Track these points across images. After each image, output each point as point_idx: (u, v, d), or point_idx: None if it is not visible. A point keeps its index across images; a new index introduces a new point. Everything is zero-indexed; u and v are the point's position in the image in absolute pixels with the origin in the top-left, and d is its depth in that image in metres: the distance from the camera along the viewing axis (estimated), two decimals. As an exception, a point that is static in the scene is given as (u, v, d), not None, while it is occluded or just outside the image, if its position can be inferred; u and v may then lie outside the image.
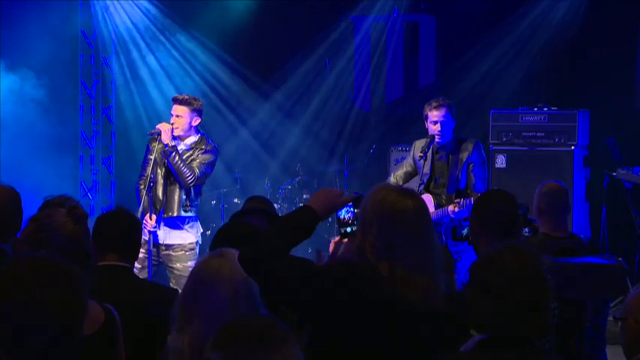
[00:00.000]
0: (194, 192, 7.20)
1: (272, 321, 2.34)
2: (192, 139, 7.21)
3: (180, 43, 11.07)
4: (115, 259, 3.82)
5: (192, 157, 7.15)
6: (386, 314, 3.06)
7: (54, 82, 10.61)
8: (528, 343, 2.73)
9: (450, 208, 6.83)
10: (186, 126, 7.21)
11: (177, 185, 7.16)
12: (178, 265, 7.01)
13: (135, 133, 11.01)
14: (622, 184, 8.38)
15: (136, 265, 6.10)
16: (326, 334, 3.12)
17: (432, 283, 3.06)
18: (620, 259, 4.57)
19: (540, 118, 8.92)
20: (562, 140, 8.79)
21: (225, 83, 11.15)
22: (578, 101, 9.23)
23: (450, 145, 7.07)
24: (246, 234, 3.77)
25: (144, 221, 6.94)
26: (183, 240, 7.13)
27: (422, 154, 7.19)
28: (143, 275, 6.76)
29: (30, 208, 6.98)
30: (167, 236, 7.13)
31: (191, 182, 7.08)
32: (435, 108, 7.04)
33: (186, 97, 7.30)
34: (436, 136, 7.04)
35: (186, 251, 7.07)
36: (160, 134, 7.13)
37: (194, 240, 7.18)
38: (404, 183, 7.28)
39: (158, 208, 7.11)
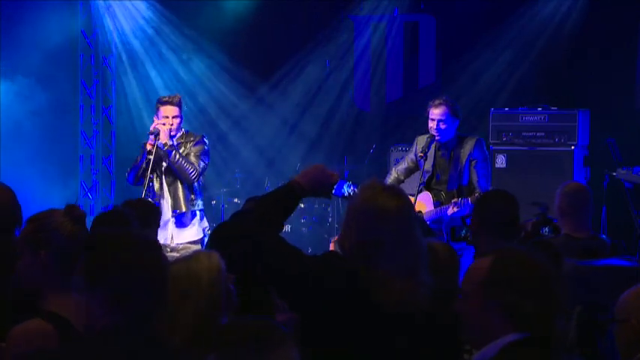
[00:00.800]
0: (197, 185, 7.27)
1: (269, 322, 2.34)
2: (179, 134, 7.30)
3: (180, 42, 11.07)
4: None
5: (185, 152, 7.20)
6: (356, 313, 3.04)
7: (54, 82, 10.61)
8: (554, 344, 2.67)
9: (451, 209, 6.84)
10: (179, 125, 7.29)
11: (179, 182, 7.20)
12: None
13: (135, 133, 11.00)
14: (622, 184, 8.37)
15: None
16: (304, 320, 3.13)
17: (411, 285, 3.03)
18: None
19: (540, 118, 8.91)
20: (562, 140, 8.79)
21: (224, 83, 11.15)
22: (578, 101, 9.22)
23: (452, 142, 7.10)
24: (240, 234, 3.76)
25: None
26: (191, 237, 7.18)
27: (422, 154, 7.20)
28: None
29: (30, 207, 6.99)
30: (177, 236, 7.16)
31: (194, 177, 7.15)
32: (435, 107, 7.07)
33: (177, 97, 7.34)
34: (435, 134, 7.07)
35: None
36: (158, 134, 7.14)
37: (201, 236, 7.23)
38: (405, 178, 7.35)
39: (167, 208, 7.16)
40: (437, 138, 7.07)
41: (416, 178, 7.22)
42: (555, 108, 8.96)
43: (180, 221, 7.19)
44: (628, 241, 8.55)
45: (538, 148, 8.83)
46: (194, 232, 7.24)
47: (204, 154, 7.26)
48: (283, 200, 3.31)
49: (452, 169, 7.05)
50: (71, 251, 3.07)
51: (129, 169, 7.36)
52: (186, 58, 11.09)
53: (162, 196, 7.26)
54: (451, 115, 7.07)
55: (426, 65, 10.78)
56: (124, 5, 11.00)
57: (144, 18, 11.04)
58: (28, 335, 2.92)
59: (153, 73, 11.10)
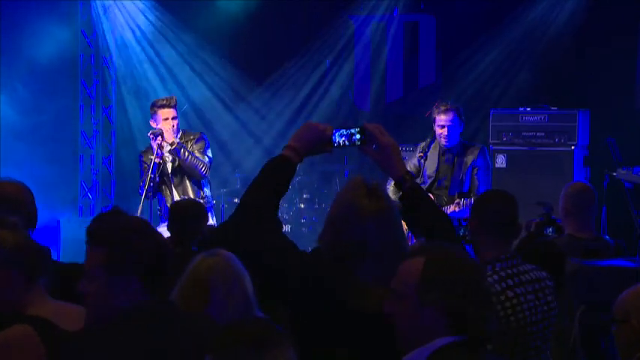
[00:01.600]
0: (205, 181, 7.35)
1: (266, 323, 2.35)
2: (177, 136, 7.40)
3: (180, 43, 11.07)
4: None
5: (190, 150, 7.26)
6: (338, 313, 3.03)
7: (54, 82, 10.61)
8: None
9: (452, 207, 6.84)
10: (178, 126, 7.42)
11: (186, 180, 7.27)
12: None
13: (135, 133, 11.01)
14: (622, 184, 8.37)
15: None
16: (294, 319, 3.14)
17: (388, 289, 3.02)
18: None
19: (540, 118, 8.92)
20: (562, 140, 8.79)
21: (224, 83, 11.15)
22: (578, 101, 9.22)
23: (456, 148, 7.11)
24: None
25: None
26: None
27: (422, 154, 7.21)
28: None
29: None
30: None
31: (205, 171, 7.29)
32: (443, 112, 7.05)
33: (173, 99, 7.49)
34: (442, 140, 7.06)
35: None
36: (162, 134, 7.16)
37: None
38: None
39: None
40: (444, 143, 7.07)
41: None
42: (555, 108, 8.96)
43: None
44: (628, 241, 8.54)
45: (538, 148, 8.83)
46: None
47: (207, 149, 7.36)
48: (274, 177, 3.26)
49: (454, 175, 7.06)
50: (24, 259, 3.07)
51: (140, 183, 7.39)
52: (186, 58, 11.09)
53: (172, 198, 7.33)
54: (459, 120, 7.08)
55: (426, 65, 10.78)
56: (123, 5, 11.00)
57: (144, 18, 11.04)
58: (8, 341, 2.94)
59: (153, 73, 11.10)
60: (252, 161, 10.92)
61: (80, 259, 2.72)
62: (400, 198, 3.34)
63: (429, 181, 7.16)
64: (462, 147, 7.14)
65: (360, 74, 11.04)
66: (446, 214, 3.47)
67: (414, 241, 6.20)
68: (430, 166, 7.17)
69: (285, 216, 9.97)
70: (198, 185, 7.34)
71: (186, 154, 7.23)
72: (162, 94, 11.06)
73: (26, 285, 3.10)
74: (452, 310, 2.50)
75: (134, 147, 10.94)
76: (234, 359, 2.25)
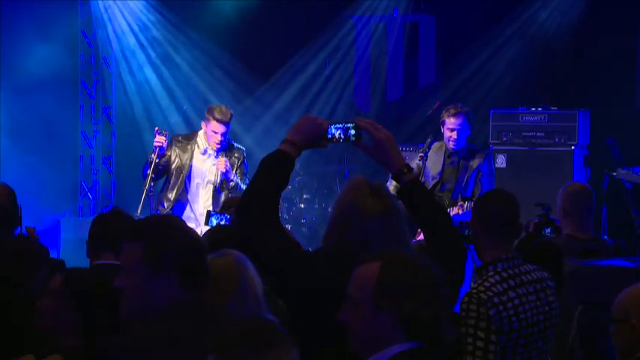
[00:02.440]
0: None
1: (269, 324, 2.34)
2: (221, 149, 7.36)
3: (180, 42, 11.07)
4: (111, 258, 3.86)
5: (232, 165, 7.29)
6: (333, 316, 3.03)
7: (54, 82, 10.61)
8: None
9: (454, 210, 6.84)
10: (225, 139, 7.40)
11: (212, 187, 7.31)
12: None
13: (135, 133, 11.01)
14: (622, 184, 8.37)
15: None
16: (297, 318, 3.14)
17: None
18: None
19: (540, 118, 8.92)
20: (562, 140, 8.79)
21: (224, 83, 11.14)
22: (578, 101, 9.22)
23: (462, 151, 7.12)
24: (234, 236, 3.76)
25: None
26: None
27: (422, 154, 7.21)
28: None
29: (31, 207, 7.01)
30: None
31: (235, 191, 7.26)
32: (454, 115, 7.04)
33: (230, 114, 7.41)
34: (451, 143, 7.06)
35: None
36: (164, 136, 7.25)
37: None
38: None
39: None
40: (452, 146, 7.07)
41: None
42: (555, 108, 8.96)
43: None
44: (628, 241, 8.55)
45: (538, 148, 8.83)
46: None
47: (247, 172, 7.37)
48: (274, 173, 3.26)
49: (458, 179, 7.06)
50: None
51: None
52: (186, 58, 11.08)
53: (193, 200, 7.33)
54: (468, 123, 7.08)
55: (426, 65, 10.78)
56: (123, 5, 10.99)
57: (144, 18, 11.03)
58: None
59: (153, 73, 11.09)
60: (251, 161, 10.91)
61: (80, 259, 2.71)
62: (399, 192, 3.32)
63: (432, 182, 7.16)
64: (468, 151, 7.15)
65: (360, 74, 11.03)
66: (445, 209, 3.44)
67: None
68: (434, 168, 7.16)
69: (285, 216, 9.96)
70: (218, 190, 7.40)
71: (231, 185, 7.23)
72: (162, 94, 11.09)
73: None
74: (407, 316, 2.45)
75: (134, 147, 10.94)
76: (237, 358, 2.25)
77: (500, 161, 8.90)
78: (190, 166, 7.37)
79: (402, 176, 3.28)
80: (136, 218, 7.44)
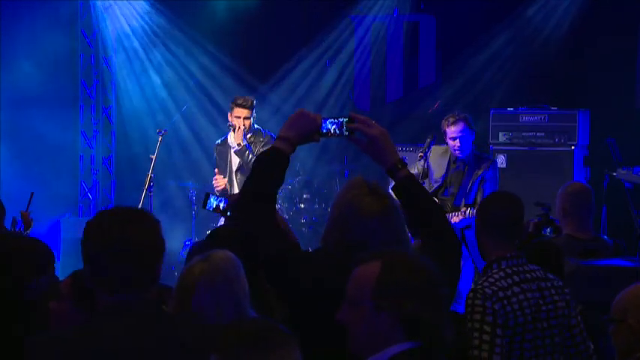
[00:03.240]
0: None
1: (271, 324, 2.34)
2: (249, 134, 7.82)
3: (179, 42, 11.07)
4: None
5: (256, 151, 7.63)
6: (333, 316, 3.03)
7: (54, 82, 10.61)
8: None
9: (454, 219, 6.84)
10: (251, 126, 7.87)
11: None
12: None
13: (135, 132, 11.01)
14: (622, 184, 8.37)
15: None
16: (298, 318, 3.14)
17: None
18: None
19: (540, 118, 8.92)
20: (562, 140, 8.80)
21: (224, 83, 11.14)
22: (578, 101, 9.23)
23: (468, 158, 7.11)
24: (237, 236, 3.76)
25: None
26: None
27: (422, 155, 7.21)
28: None
29: (31, 207, 7.00)
30: None
31: None
32: (453, 124, 7.05)
33: (250, 100, 7.94)
34: (457, 152, 7.06)
35: None
36: (234, 129, 7.69)
37: None
38: None
39: None
40: (457, 154, 7.07)
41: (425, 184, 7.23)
42: (555, 108, 8.96)
43: None
44: (628, 241, 8.55)
45: (538, 148, 8.83)
46: None
47: None
48: (269, 171, 3.25)
49: (462, 185, 7.06)
50: None
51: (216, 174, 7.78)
52: (186, 58, 11.08)
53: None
54: (469, 129, 7.08)
55: (426, 65, 10.78)
56: (123, 5, 10.99)
57: (144, 18, 11.03)
58: None
59: (152, 73, 11.09)
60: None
61: (80, 259, 2.69)
62: (393, 188, 3.31)
63: (436, 185, 7.16)
64: (474, 157, 7.15)
65: (360, 74, 11.03)
66: (439, 205, 3.45)
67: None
68: (438, 171, 7.16)
69: (286, 216, 9.96)
70: None
71: (250, 157, 7.57)
72: (162, 94, 11.09)
73: None
74: (407, 316, 2.44)
75: (134, 147, 10.94)
76: (239, 359, 2.25)
77: (500, 161, 8.90)
78: (230, 165, 7.90)
79: (397, 172, 3.26)
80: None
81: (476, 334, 3.67)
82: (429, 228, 3.26)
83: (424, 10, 10.67)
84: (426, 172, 7.30)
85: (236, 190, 7.69)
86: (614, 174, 8.34)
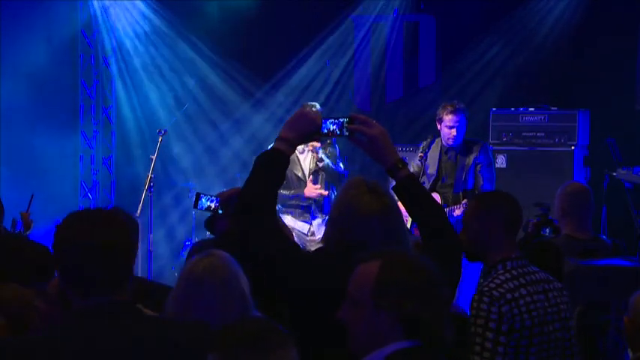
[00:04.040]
0: None
1: (270, 324, 2.34)
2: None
3: (180, 43, 11.07)
4: None
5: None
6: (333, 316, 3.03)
7: (54, 82, 10.61)
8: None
9: (456, 212, 6.86)
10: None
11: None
12: None
13: (135, 133, 11.01)
14: (622, 184, 8.37)
15: None
16: (298, 318, 3.13)
17: None
18: None
19: (540, 118, 8.92)
20: (562, 140, 8.79)
21: (224, 83, 11.14)
22: (578, 101, 9.22)
23: (459, 146, 7.11)
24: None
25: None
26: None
27: (422, 154, 7.22)
28: None
29: (31, 208, 7.00)
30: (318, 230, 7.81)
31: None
32: (452, 112, 7.07)
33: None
34: (450, 140, 7.07)
35: None
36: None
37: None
38: None
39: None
40: (450, 143, 7.08)
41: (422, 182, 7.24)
42: (555, 108, 8.96)
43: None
44: (628, 241, 8.55)
45: (538, 148, 8.83)
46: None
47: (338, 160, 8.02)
48: (269, 171, 3.26)
49: (458, 173, 7.08)
50: None
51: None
52: (186, 58, 11.09)
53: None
54: (466, 120, 7.10)
55: (426, 65, 10.78)
56: (124, 5, 11.00)
57: (144, 18, 11.03)
58: None
59: (153, 73, 11.10)
60: (252, 161, 10.91)
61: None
62: (394, 188, 3.31)
63: (432, 179, 7.17)
64: (464, 144, 7.15)
65: (360, 74, 11.03)
66: (439, 204, 3.43)
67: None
68: (431, 165, 7.17)
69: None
70: None
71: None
72: (162, 94, 11.09)
73: None
74: (407, 316, 2.45)
75: (134, 147, 10.94)
76: (237, 357, 2.25)
77: (500, 161, 8.90)
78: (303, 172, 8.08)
79: (397, 171, 3.27)
80: (136, 218, 7.44)
81: (478, 340, 3.63)
82: (430, 227, 3.26)
83: (424, 10, 10.67)
84: (419, 173, 7.31)
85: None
86: (614, 174, 8.33)
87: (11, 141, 10.41)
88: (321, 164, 7.87)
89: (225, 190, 4.83)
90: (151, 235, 8.27)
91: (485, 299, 3.65)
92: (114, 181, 11.16)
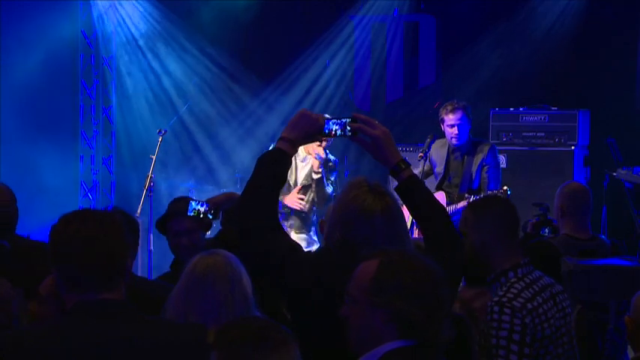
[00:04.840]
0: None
1: (271, 322, 2.35)
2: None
3: (180, 42, 11.07)
4: None
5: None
6: (335, 316, 3.02)
7: (54, 82, 10.61)
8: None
9: (461, 203, 6.88)
10: (328, 144, 7.62)
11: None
12: None
13: (135, 133, 11.01)
14: (622, 184, 8.37)
15: None
16: (301, 318, 3.13)
17: None
18: None
19: (540, 118, 8.92)
20: (562, 140, 8.80)
21: (224, 84, 11.14)
22: (578, 101, 9.23)
23: (466, 146, 7.14)
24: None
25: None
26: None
27: (422, 155, 7.24)
28: None
29: (30, 208, 7.01)
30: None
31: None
32: (451, 112, 7.08)
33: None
34: (453, 139, 7.08)
35: None
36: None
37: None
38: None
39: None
40: (454, 142, 7.09)
41: (430, 182, 7.28)
42: (555, 108, 8.96)
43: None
44: (628, 241, 8.55)
45: (538, 148, 8.83)
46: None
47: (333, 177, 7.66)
48: (271, 171, 3.24)
49: (464, 173, 7.09)
50: None
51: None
52: (186, 58, 11.08)
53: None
54: (467, 118, 7.10)
55: (426, 65, 10.78)
56: (124, 5, 10.99)
57: (144, 18, 11.03)
58: None
59: (153, 73, 11.09)
60: (251, 161, 10.90)
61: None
62: (396, 188, 3.31)
63: (439, 177, 7.19)
64: (472, 144, 7.17)
65: (360, 74, 11.03)
66: (442, 205, 3.41)
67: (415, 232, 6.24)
68: (439, 164, 7.20)
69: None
70: None
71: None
72: (162, 94, 11.08)
73: None
74: (399, 314, 2.44)
75: (134, 147, 10.94)
76: (241, 356, 2.25)
77: (501, 161, 8.90)
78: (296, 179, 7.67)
79: (400, 172, 3.26)
80: (136, 218, 7.44)
81: (502, 352, 3.52)
82: (432, 228, 3.26)
83: (424, 10, 10.67)
84: (428, 172, 7.33)
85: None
86: (614, 174, 8.34)
87: (11, 141, 10.41)
88: (316, 176, 7.51)
89: (217, 195, 4.82)
90: (151, 235, 8.26)
91: (507, 310, 3.55)
92: (114, 181, 11.15)
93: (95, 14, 10.95)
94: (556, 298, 3.74)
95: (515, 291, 3.62)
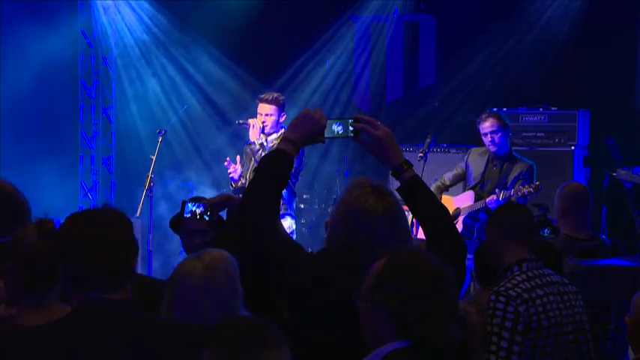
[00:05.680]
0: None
1: (263, 322, 2.34)
2: (275, 135, 7.26)
3: (180, 42, 11.07)
4: None
5: None
6: (342, 310, 3.01)
7: (54, 82, 10.61)
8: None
9: (490, 197, 6.94)
10: (275, 123, 7.30)
11: None
12: None
13: (135, 133, 11.01)
14: (622, 184, 8.37)
15: None
16: (301, 319, 3.13)
17: None
18: None
19: (540, 118, 8.92)
20: (562, 140, 8.80)
21: (224, 83, 11.15)
22: (578, 101, 9.23)
23: (506, 157, 7.17)
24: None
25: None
26: None
27: (422, 155, 7.27)
28: None
29: (31, 208, 6.98)
30: None
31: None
32: (484, 120, 7.16)
33: (274, 95, 7.39)
34: (491, 147, 7.13)
35: None
36: (248, 126, 7.18)
37: None
38: (450, 184, 7.54)
39: None
40: (493, 150, 7.12)
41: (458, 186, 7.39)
42: (555, 108, 8.96)
43: None
44: (628, 241, 8.55)
45: (538, 149, 8.83)
46: None
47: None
48: (274, 172, 3.25)
49: (500, 180, 7.13)
50: (35, 265, 3.06)
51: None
52: (186, 58, 11.09)
53: None
54: (501, 125, 7.12)
55: (426, 65, 10.78)
56: (124, 5, 10.99)
57: (144, 18, 11.03)
58: None
59: (152, 73, 11.10)
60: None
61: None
62: (399, 189, 3.31)
63: (474, 182, 7.27)
64: (513, 159, 7.21)
65: (360, 74, 11.04)
66: (444, 206, 3.42)
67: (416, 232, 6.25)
68: (476, 169, 7.27)
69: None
70: None
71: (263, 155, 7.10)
72: (162, 94, 11.09)
73: (21, 287, 3.09)
74: (394, 313, 2.44)
75: (134, 147, 10.94)
76: (232, 356, 2.24)
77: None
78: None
79: (402, 173, 3.27)
80: (136, 219, 7.44)
81: (494, 339, 3.67)
82: (434, 229, 3.26)
83: (424, 10, 10.68)
84: (462, 175, 7.41)
85: None
86: (614, 174, 8.34)
87: (11, 140, 10.40)
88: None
89: (214, 196, 4.81)
90: (151, 235, 8.27)
91: (502, 299, 3.69)
92: (114, 181, 11.16)
93: (95, 14, 10.95)
94: (564, 296, 3.80)
95: (515, 282, 3.76)
